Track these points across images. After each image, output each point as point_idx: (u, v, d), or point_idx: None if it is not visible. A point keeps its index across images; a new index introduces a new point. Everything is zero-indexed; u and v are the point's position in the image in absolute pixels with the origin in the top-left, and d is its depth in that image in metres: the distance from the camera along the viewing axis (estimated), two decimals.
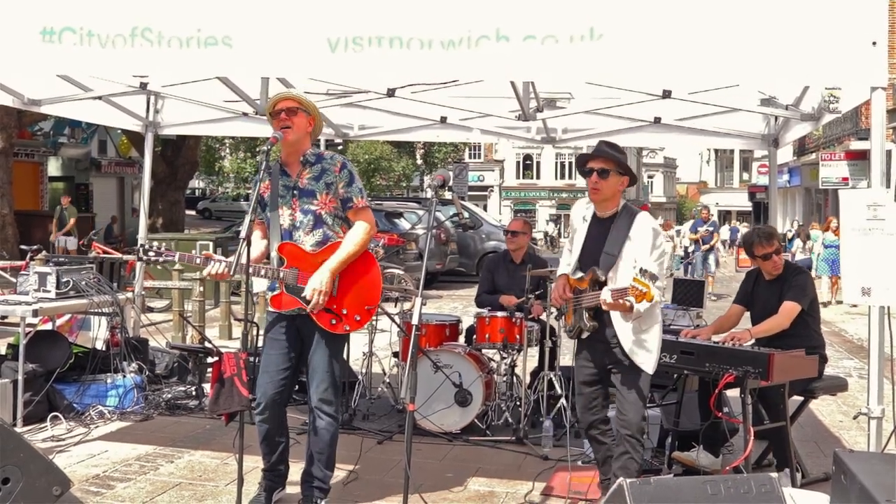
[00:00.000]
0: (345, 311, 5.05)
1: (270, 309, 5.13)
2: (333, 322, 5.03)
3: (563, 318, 5.51)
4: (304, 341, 5.14)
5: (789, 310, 5.97)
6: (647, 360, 5.04)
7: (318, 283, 4.92)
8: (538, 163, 69.85)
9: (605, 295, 4.86)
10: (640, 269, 4.70)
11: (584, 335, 5.22)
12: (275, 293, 5.05)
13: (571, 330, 5.31)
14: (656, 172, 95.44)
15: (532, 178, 70.57)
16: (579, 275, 5.22)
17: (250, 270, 4.84)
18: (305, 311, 4.99)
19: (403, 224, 21.11)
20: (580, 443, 6.81)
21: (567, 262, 5.42)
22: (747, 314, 6.44)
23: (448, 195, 21.57)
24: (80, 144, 35.16)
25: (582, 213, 5.35)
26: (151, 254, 5.07)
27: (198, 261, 5.10)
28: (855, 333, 14.54)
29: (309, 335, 5.09)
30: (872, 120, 4.84)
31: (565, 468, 6.00)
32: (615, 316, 5.01)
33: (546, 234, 52.99)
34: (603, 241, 5.12)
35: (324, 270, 4.96)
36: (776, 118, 7.82)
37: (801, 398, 6.23)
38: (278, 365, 5.09)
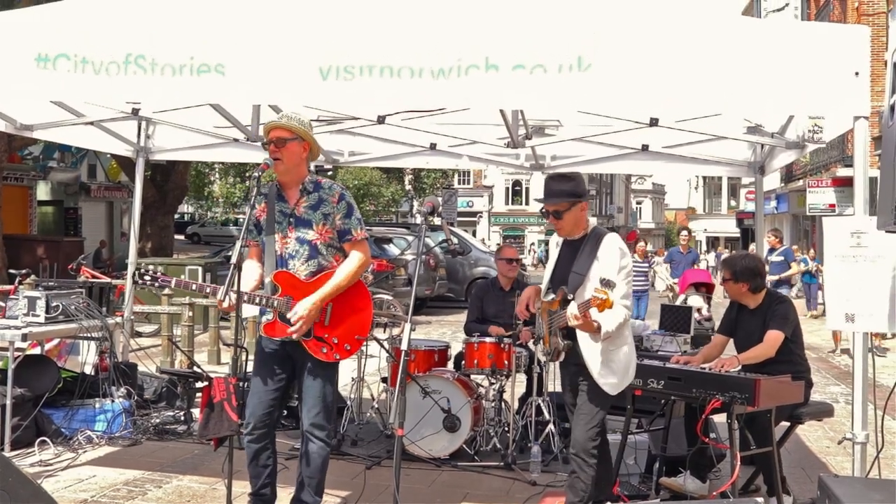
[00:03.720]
0: (335, 341, 5.06)
1: (263, 335, 5.15)
2: (325, 351, 5.04)
3: (540, 342, 5.50)
4: (295, 367, 5.16)
5: (774, 339, 6.00)
6: (611, 382, 5.05)
7: (303, 311, 4.93)
8: (527, 189, 70.06)
9: (572, 309, 4.88)
10: (601, 279, 4.77)
11: (562, 357, 5.24)
12: (268, 321, 5.07)
13: (549, 353, 5.33)
14: (645, 199, 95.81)
15: (521, 203, 70.77)
16: (550, 296, 5.25)
17: (245, 298, 4.87)
18: (297, 339, 5.03)
19: (393, 250, 21.15)
20: (568, 468, 6.83)
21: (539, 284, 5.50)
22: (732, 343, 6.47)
23: (437, 221, 21.63)
24: (70, 169, 35.11)
25: (556, 240, 5.42)
26: (147, 278, 5.08)
27: (194, 287, 5.12)
28: (842, 360, 14.60)
29: (300, 362, 5.10)
30: (855, 148, 4.93)
31: (553, 493, 6.02)
32: (582, 337, 5.03)
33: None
34: (572, 261, 5.17)
35: (313, 298, 4.97)
36: (762, 146, 7.90)
37: (788, 424, 6.27)
38: (268, 386, 5.10)
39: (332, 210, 5.09)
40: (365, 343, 7.18)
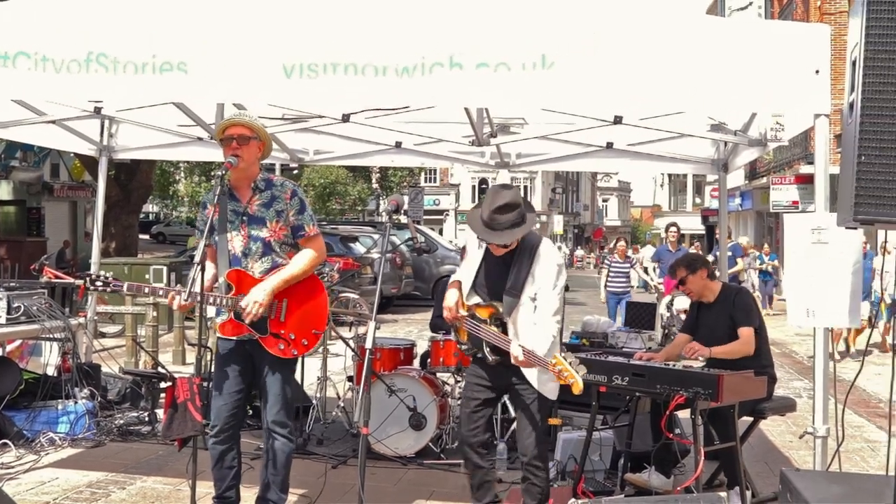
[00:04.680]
0: (292, 336, 5.06)
1: (219, 335, 5.12)
2: (282, 347, 5.04)
3: (454, 332, 5.41)
4: (255, 365, 5.14)
5: (749, 335, 6.06)
6: (551, 386, 5.08)
7: (258, 296, 4.91)
8: None
9: (517, 351, 4.85)
10: (564, 355, 4.76)
11: (480, 355, 5.21)
12: (223, 320, 5.04)
13: (468, 350, 5.28)
14: (611, 196, 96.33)
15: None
16: (476, 300, 5.18)
17: (189, 291, 4.82)
18: (255, 337, 5.01)
19: (359, 248, 21.10)
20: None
21: (461, 278, 5.34)
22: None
23: (404, 219, 21.63)
24: (32, 168, 34.69)
25: (477, 239, 5.27)
26: (99, 283, 5.04)
27: (146, 290, 5.07)
28: (805, 354, 14.71)
29: (259, 360, 5.10)
30: (816, 146, 4.99)
31: (519, 490, 6.03)
32: (514, 338, 5.02)
33: None
34: (504, 273, 5.09)
35: (264, 285, 4.96)
36: (725, 143, 7.96)
37: (751, 419, 6.33)
38: (231, 387, 5.09)
39: (286, 207, 5.09)
40: (324, 339, 7.17)
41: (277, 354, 5.04)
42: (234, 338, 5.07)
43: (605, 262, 16.62)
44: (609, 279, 15.87)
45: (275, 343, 5.02)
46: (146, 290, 5.11)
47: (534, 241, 5.12)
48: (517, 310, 5.03)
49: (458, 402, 7.60)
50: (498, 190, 5.13)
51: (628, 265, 15.96)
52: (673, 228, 14.99)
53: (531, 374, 5.03)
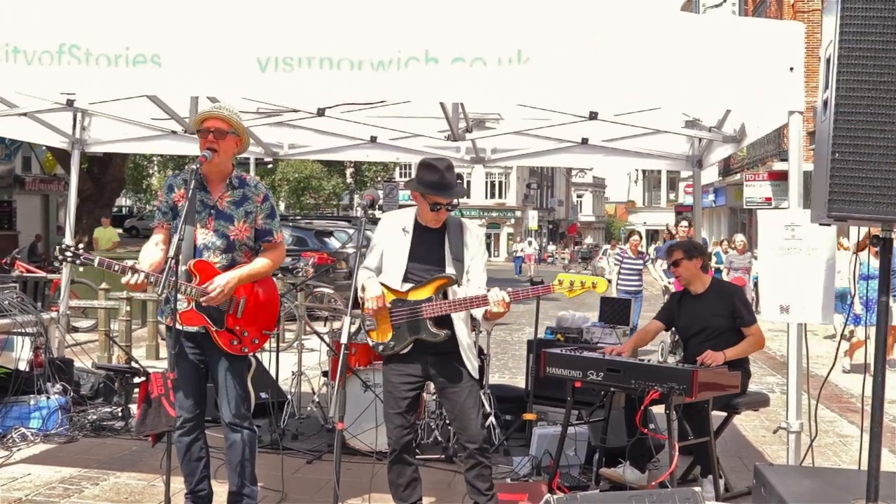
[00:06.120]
0: (245, 334, 5.08)
1: (180, 325, 5.03)
2: (234, 343, 5.05)
3: (370, 336, 5.16)
4: (207, 359, 5.15)
5: (759, 331, 6.18)
6: (476, 364, 5.11)
7: (222, 282, 4.89)
8: (469, 182, 70.17)
9: (500, 295, 4.82)
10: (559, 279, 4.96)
11: (407, 349, 5.06)
12: (184, 310, 5.00)
13: (395, 346, 5.06)
14: (585, 192, 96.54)
15: (463, 197, 70.87)
16: (408, 286, 5.04)
17: (165, 284, 4.77)
18: (211, 330, 5.00)
19: (333, 243, 21.04)
20: (509, 460, 6.87)
21: (370, 274, 5.15)
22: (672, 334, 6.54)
23: (379, 214, 21.60)
24: (4, 161, 34.37)
25: (400, 224, 5.16)
26: (69, 254, 4.99)
27: (115, 268, 5.00)
28: (778, 350, 14.75)
29: (211, 354, 5.09)
30: (790, 142, 5.01)
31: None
32: (458, 325, 5.01)
33: None
34: (440, 248, 5.08)
35: (232, 273, 4.96)
36: (700, 140, 7.99)
37: (725, 413, 6.36)
38: (192, 377, 5.09)
39: (256, 209, 5.09)
40: (305, 335, 7.14)
41: (228, 350, 5.05)
42: (190, 329, 5.04)
43: (617, 258, 15.16)
44: (620, 277, 14.19)
45: (228, 339, 5.03)
46: (116, 267, 5.02)
47: (454, 217, 5.18)
48: (464, 275, 5.06)
49: (433, 397, 7.62)
50: (431, 159, 5.12)
51: (641, 262, 14.46)
52: (684, 223, 14.08)
53: (466, 355, 5.04)
